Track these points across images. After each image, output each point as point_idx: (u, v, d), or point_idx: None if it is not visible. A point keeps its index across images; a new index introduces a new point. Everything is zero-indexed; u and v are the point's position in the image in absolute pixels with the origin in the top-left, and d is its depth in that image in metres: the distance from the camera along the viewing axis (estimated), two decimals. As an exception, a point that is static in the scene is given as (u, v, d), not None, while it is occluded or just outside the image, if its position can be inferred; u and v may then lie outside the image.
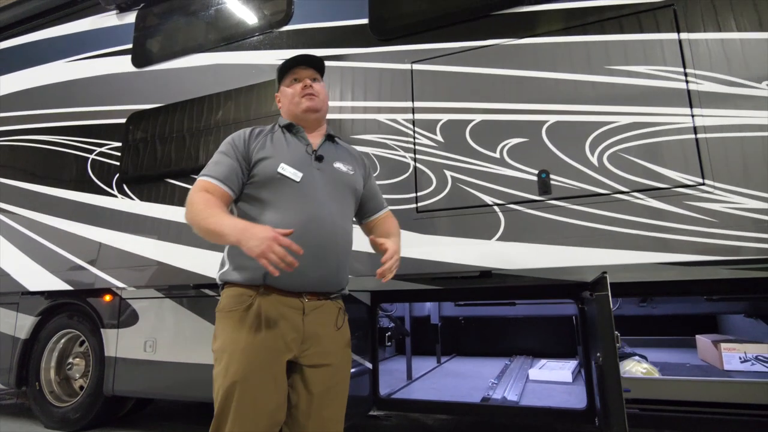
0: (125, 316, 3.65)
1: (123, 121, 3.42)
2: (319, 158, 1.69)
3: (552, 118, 2.28)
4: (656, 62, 2.15)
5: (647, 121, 2.12)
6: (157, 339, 3.53)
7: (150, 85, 3.39)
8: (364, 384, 3.09)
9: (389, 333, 3.20)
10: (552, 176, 2.24)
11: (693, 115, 2.05)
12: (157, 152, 3.24)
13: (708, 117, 2.03)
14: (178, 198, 3.07)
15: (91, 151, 3.49)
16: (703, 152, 2.02)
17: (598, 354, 1.77)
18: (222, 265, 1.65)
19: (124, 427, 3.76)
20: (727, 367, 3.35)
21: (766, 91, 1.96)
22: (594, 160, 2.17)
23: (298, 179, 1.60)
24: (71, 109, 3.65)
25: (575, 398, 3.17)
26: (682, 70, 2.10)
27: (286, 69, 1.79)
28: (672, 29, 2.15)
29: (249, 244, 1.35)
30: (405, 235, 2.44)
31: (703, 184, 2.00)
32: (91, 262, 3.32)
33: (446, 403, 2.95)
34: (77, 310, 3.85)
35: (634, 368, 2.98)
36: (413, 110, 2.56)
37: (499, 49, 2.45)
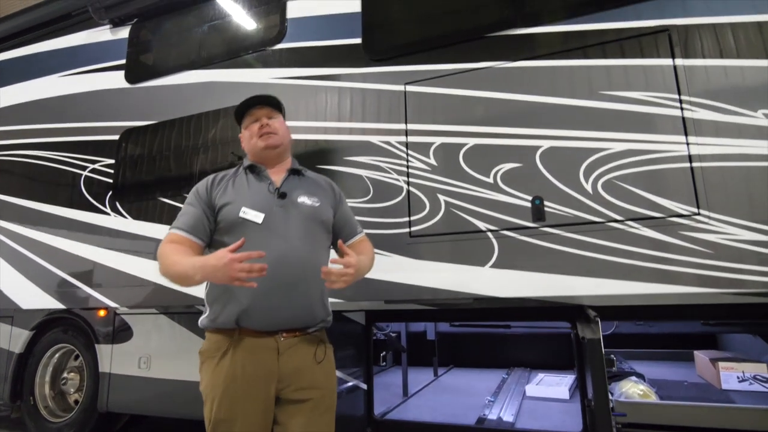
0: (119, 332, 3.63)
1: (116, 137, 3.39)
2: (282, 195, 1.70)
3: (546, 144, 2.26)
4: (651, 88, 2.12)
5: (642, 148, 2.09)
6: (152, 355, 3.51)
7: (143, 102, 3.36)
8: (358, 404, 3.06)
9: (384, 353, 3.16)
10: (546, 203, 2.21)
11: (688, 143, 2.03)
12: (150, 170, 3.22)
13: (703, 145, 2.00)
14: (170, 217, 3.04)
15: (84, 168, 3.47)
16: (698, 181, 1.99)
17: (590, 398, 1.74)
18: (203, 311, 1.71)
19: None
20: (725, 386, 3.32)
21: (762, 120, 1.94)
22: (588, 187, 2.15)
23: (260, 221, 1.63)
24: (65, 125, 3.63)
25: (572, 419, 3.14)
26: (677, 96, 2.07)
27: (242, 112, 1.82)
28: (667, 54, 2.12)
29: (214, 276, 1.43)
30: (397, 259, 2.43)
31: (698, 213, 1.97)
32: (85, 281, 3.29)
33: (441, 425, 2.92)
34: (72, 324, 3.83)
35: (631, 389, 2.94)
36: (407, 132, 2.54)
37: (493, 72, 2.42)
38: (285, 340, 1.62)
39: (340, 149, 2.68)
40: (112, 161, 3.37)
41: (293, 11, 3.00)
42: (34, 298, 3.48)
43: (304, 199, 1.73)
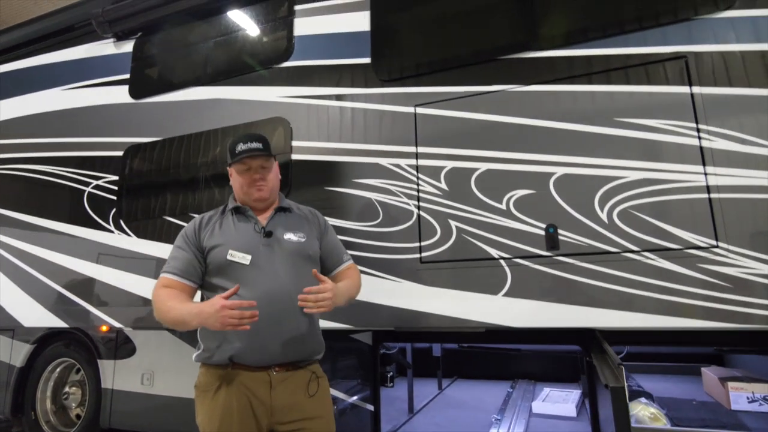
0: (122, 348, 3.60)
1: (120, 153, 3.35)
2: (268, 234, 1.75)
3: (560, 170, 2.22)
4: (668, 116, 2.09)
5: (659, 177, 2.06)
6: (155, 372, 3.48)
7: (147, 118, 3.32)
8: (365, 424, 3.03)
9: (392, 373, 3.13)
10: (560, 231, 2.18)
11: (706, 174, 1.99)
12: (154, 188, 3.18)
13: (722, 176, 1.97)
14: (174, 236, 3.00)
15: (87, 184, 3.42)
16: (716, 213, 1.96)
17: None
18: (197, 346, 1.76)
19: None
20: (734, 406, 3.29)
21: (782, 152, 1.90)
22: (603, 216, 2.11)
23: (247, 262, 1.68)
24: (68, 139, 3.58)
25: (580, 441, 3.11)
26: (694, 125, 2.04)
27: (235, 157, 1.81)
28: (684, 82, 2.08)
29: (208, 323, 1.49)
30: (408, 285, 2.40)
31: (717, 246, 1.94)
32: (88, 299, 3.25)
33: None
34: (73, 338, 3.80)
35: (641, 412, 2.91)
36: (417, 155, 2.50)
37: (506, 96, 2.39)
38: (278, 374, 1.66)
39: (349, 171, 2.64)
40: (115, 177, 3.33)
41: (301, 29, 2.95)
42: (35, 315, 3.44)
43: (290, 236, 1.78)
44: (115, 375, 3.59)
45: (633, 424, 2.75)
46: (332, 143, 2.71)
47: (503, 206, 2.29)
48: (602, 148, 2.16)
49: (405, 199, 2.49)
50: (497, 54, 2.45)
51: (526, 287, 2.19)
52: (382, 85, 2.66)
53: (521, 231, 2.24)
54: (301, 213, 1.93)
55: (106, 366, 3.62)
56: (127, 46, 3.51)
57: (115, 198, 3.30)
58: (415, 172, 2.49)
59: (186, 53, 3.35)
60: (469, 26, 2.56)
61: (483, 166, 2.36)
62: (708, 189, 1.98)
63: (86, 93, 3.60)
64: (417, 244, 2.42)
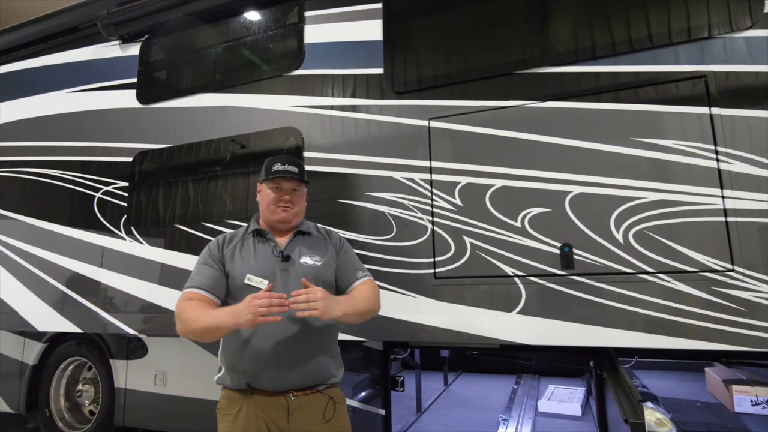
0: (134, 348, 3.65)
1: (129, 159, 3.33)
2: (286, 258, 1.78)
3: (576, 189, 2.22)
4: (686, 137, 2.08)
5: (675, 199, 2.06)
6: (167, 372, 3.54)
7: (156, 124, 3.29)
8: (377, 428, 3.10)
9: (402, 378, 3.19)
10: (575, 250, 2.19)
11: (723, 197, 1.99)
12: (165, 195, 3.17)
13: (739, 200, 1.97)
14: (185, 244, 3.02)
15: (97, 189, 3.42)
16: (733, 236, 1.96)
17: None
18: (219, 369, 1.80)
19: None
20: (738, 409, 3.37)
21: (802, 177, 1.90)
22: (619, 236, 2.12)
23: (264, 287, 1.67)
24: (80, 144, 3.56)
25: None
26: (713, 147, 2.03)
27: (270, 175, 1.84)
28: (703, 103, 2.07)
29: (240, 319, 1.50)
30: (422, 301, 2.42)
31: (733, 270, 1.95)
32: (102, 306, 3.28)
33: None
34: (85, 338, 3.85)
35: (648, 417, 2.97)
36: (431, 170, 2.49)
37: (522, 111, 2.37)
38: (295, 399, 1.68)
39: (362, 183, 2.63)
40: (125, 184, 3.32)
41: (311, 36, 2.91)
42: (47, 319, 3.47)
43: (306, 260, 1.80)
44: (128, 375, 3.65)
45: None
46: (344, 155, 2.69)
47: (518, 224, 2.30)
48: (619, 168, 2.16)
49: (419, 214, 2.49)
50: (514, 68, 2.42)
51: (541, 306, 2.21)
52: (395, 97, 2.63)
53: (536, 249, 2.25)
54: (321, 235, 1.94)
55: (118, 365, 3.68)
56: (134, 49, 3.46)
57: (125, 205, 3.30)
58: (429, 187, 2.48)
59: (193, 59, 3.30)
60: (485, 39, 2.53)
61: (498, 183, 2.36)
62: (725, 212, 1.98)
63: (94, 96, 3.55)
64: (431, 260, 2.43)
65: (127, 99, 3.41)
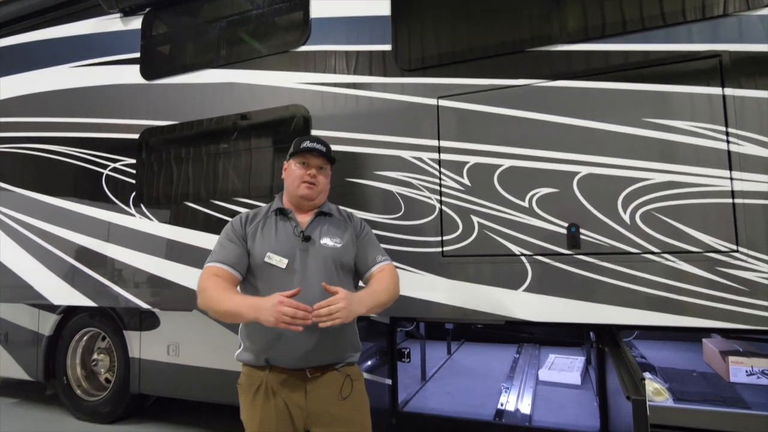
0: (147, 320, 3.75)
1: (136, 136, 3.33)
2: (307, 238, 1.79)
3: (584, 170, 2.23)
4: (697, 118, 2.07)
5: (683, 180, 2.07)
6: (180, 343, 3.65)
7: (161, 100, 3.27)
8: (384, 397, 3.22)
9: (408, 350, 3.28)
10: (582, 230, 2.22)
11: (732, 179, 2.00)
12: (172, 172, 3.18)
13: (747, 182, 1.98)
14: (195, 220, 3.05)
15: (105, 166, 3.43)
16: (739, 218, 1.99)
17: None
18: (239, 344, 1.84)
19: (152, 418, 3.96)
20: (733, 379, 3.46)
21: (812, 160, 1.91)
22: (626, 217, 2.15)
23: (283, 266, 1.72)
24: (86, 120, 3.54)
25: (586, 413, 3.30)
26: (724, 128, 2.03)
27: (299, 150, 1.87)
28: (716, 83, 2.05)
29: (262, 316, 1.51)
30: (430, 278, 2.47)
31: (737, 251, 1.98)
32: (113, 280, 3.35)
33: (462, 420, 3.09)
34: (98, 310, 3.95)
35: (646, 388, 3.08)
36: (439, 149, 2.49)
37: (531, 90, 2.35)
38: (312, 377, 1.72)
39: (370, 162, 2.64)
40: (133, 161, 3.33)
41: (318, 11, 2.85)
42: (62, 292, 3.55)
43: (326, 241, 1.81)
44: (142, 345, 3.77)
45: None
46: (352, 133, 2.69)
47: (526, 204, 2.32)
48: (628, 148, 2.16)
49: (427, 193, 2.51)
50: (524, 46, 2.38)
51: (546, 284, 2.26)
52: (403, 75, 2.60)
53: (543, 229, 2.28)
54: (342, 217, 1.94)
55: (132, 337, 3.79)
56: (135, 23, 3.39)
57: (133, 182, 3.32)
58: (437, 167, 2.49)
59: (197, 33, 3.25)
60: (495, 16, 2.48)
61: (506, 163, 2.37)
62: (733, 194, 2.00)
63: (98, 71, 3.51)
64: (439, 238, 2.47)
65: (132, 74, 3.37)
